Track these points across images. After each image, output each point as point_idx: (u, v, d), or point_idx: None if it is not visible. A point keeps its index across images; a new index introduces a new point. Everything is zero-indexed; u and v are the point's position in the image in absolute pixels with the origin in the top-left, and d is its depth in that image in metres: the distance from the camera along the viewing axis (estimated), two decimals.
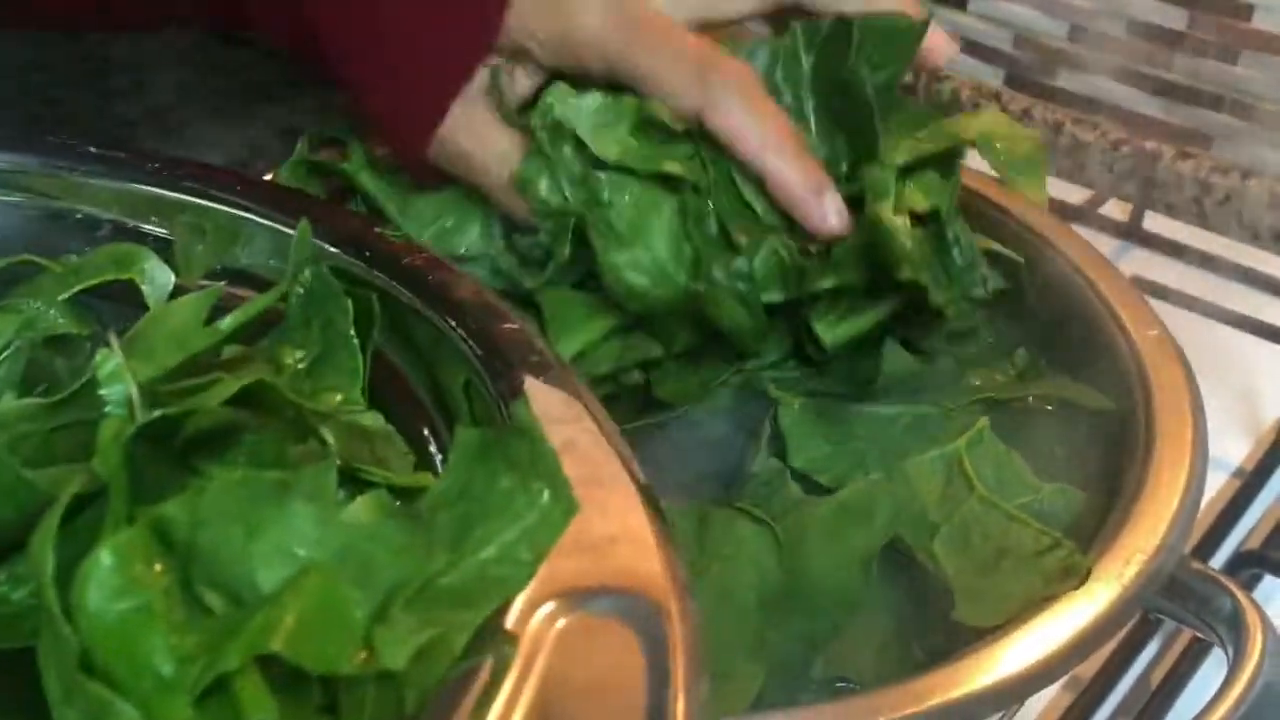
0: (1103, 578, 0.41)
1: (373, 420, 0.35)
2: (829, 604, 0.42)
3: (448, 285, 0.38)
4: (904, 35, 0.50)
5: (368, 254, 0.39)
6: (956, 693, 0.38)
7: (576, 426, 0.31)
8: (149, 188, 0.43)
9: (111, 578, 0.23)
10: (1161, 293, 0.71)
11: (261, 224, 0.41)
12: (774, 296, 0.48)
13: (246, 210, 0.42)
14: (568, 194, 0.49)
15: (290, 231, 0.39)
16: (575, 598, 0.26)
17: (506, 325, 0.37)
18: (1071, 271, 0.55)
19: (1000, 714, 0.43)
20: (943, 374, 0.50)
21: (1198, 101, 0.84)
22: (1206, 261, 0.77)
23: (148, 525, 0.25)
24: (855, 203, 0.49)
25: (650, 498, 0.29)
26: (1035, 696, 0.50)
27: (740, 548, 0.43)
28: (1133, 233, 0.79)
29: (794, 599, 0.42)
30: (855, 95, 0.49)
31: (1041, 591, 0.41)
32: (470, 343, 0.36)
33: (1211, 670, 0.52)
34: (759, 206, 0.49)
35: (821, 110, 0.51)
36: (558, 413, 0.32)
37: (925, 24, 0.51)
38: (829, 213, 0.48)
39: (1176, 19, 0.83)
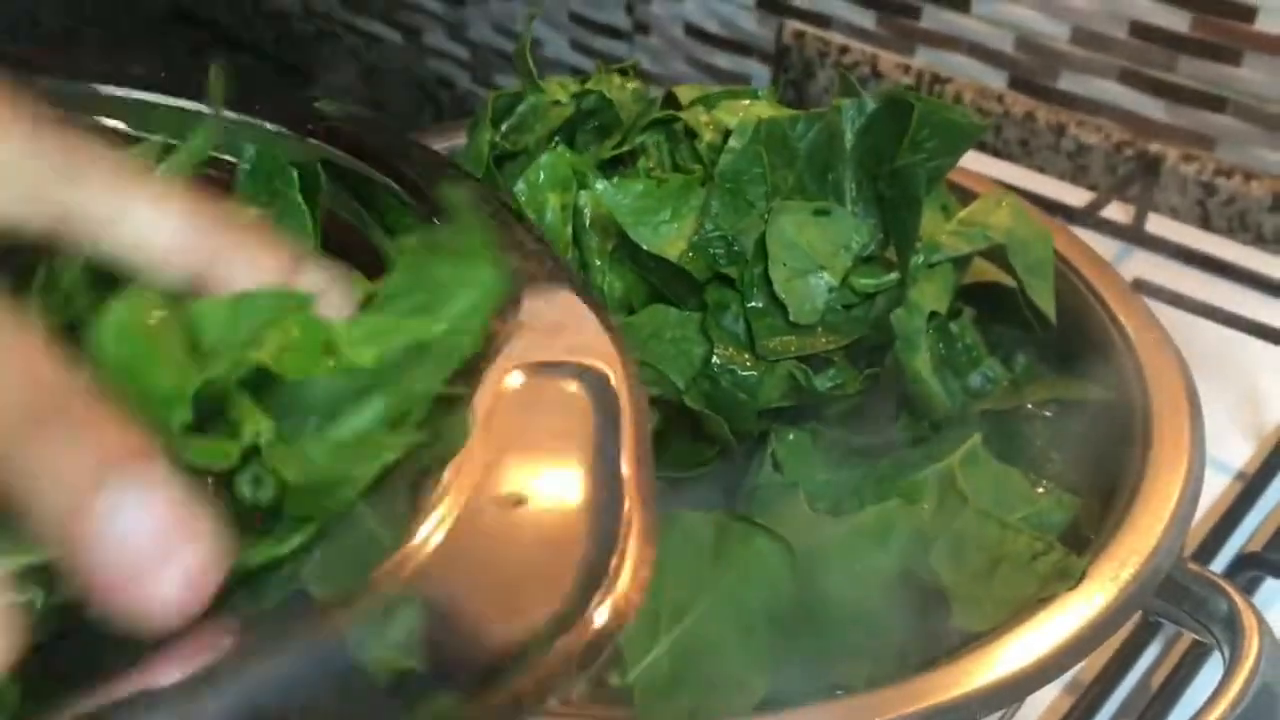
0: (1099, 579, 0.41)
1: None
2: (843, 625, 0.42)
3: (390, 146, 0.41)
4: (962, 131, 0.48)
5: (312, 129, 0.42)
6: (953, 693, 0.38)
7: (515, 236, 0.36)
8: (104, 88, 0.44)
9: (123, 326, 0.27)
10: (1164, 295, 0.71)
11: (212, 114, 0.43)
12: (784, 403, 0.48)
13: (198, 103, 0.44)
14: None
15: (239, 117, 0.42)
16: (533, 368, 0.30)
17: (448, 173, 0.40)
18: (1071, 274, 0.55)
19: (998, 715, 0.43)
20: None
21: (1201, 104, 0.84)
22: (1210, 264, 0.76)
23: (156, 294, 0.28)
24: (883, 290, 0.48)
25: (586, 292, 0.34)
26: (1035, 699, 0.50)
27: (756, 562, 0.43)
28: (1136, 235, 0.79)
29: (807, 618, 0.42)
30: (904, 186, 0.48)
31: (1037, 594, 0.41)
32: (412, 193, 0.39)
33: (1212, 673, 0.51)
34: (792, 307, 0.47)
35: (863, 188, 0.49)
36: (498, 229, 0.36)
37: (982, 126, 0.49)
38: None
39: (1179, 21, 0.83)
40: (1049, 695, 0.53)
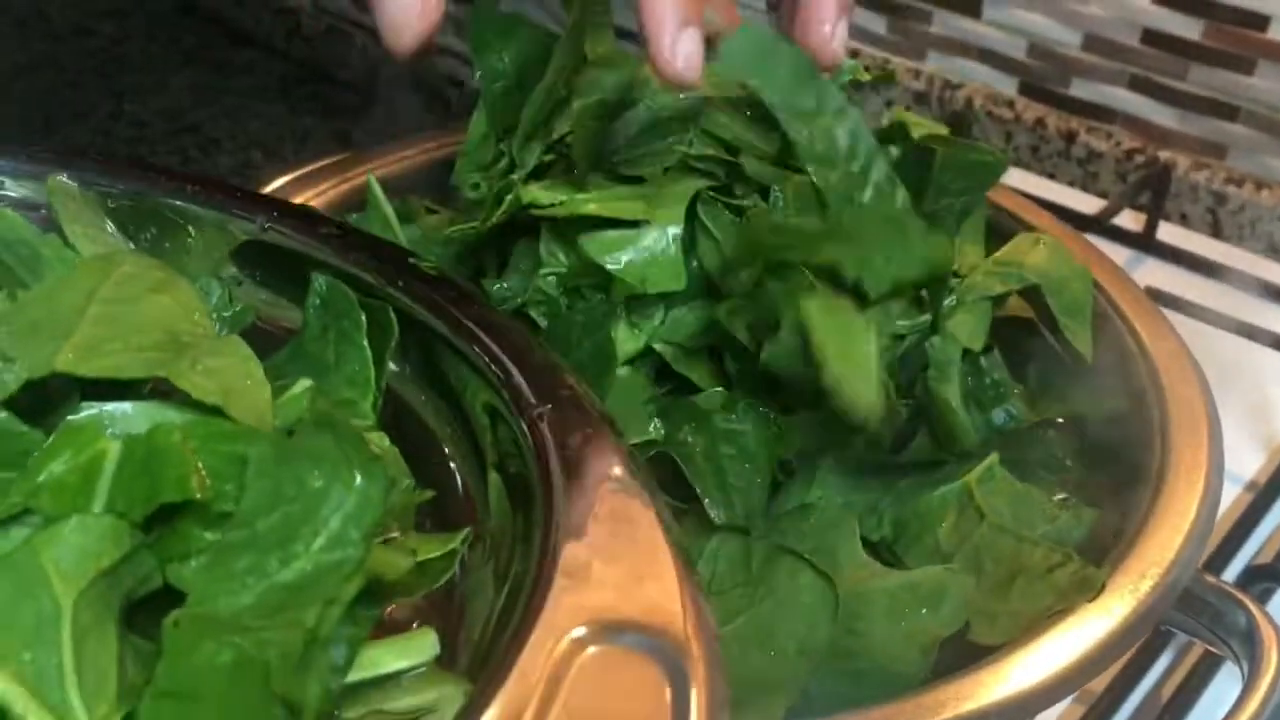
0: (1117, 592, 0.41)
1: (379, 440, 0.36)
2: (881, 678, 0.41)
3: (476, 313, 0.38)
4: (987, 168, 0.49)
5: (400, 282, 0.39)
6: (968, 706, 0.38)
7: (605, 462, 0.32)
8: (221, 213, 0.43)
9: None
10: (1175, 304, 0.71)
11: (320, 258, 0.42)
12: (808, 444, 0.47)
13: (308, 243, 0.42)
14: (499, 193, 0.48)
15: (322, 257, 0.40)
16: (603, 630, 0.26)
17: (536, 355, 0.36)
18: None
19: None
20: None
21: (1212, 112, 0.84)
22: (1220, 273, 0.76)
23: None
24: (915, 330, 0.48)
25: (676, 538, 0.30)
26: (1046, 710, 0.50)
27: (796, 595, 0.43)
28: (1146, 243, 0.79)
29: (846, 663, 0.42)
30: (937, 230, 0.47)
31: (1055, 606, 0.40)
32: (494, 367, 0.36)
33: (1224, 684, 0.51)
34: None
35: None
36: (587, 449, 0.32)
37: (1006, 160, 0.49)
38: (679, 54, 0.44)
39: (1191, 29, 0.83)
40: (1059, 705, 0.52)
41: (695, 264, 0.47)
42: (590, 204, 0.46)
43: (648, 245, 0.45)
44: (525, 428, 0.33)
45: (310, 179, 0.59)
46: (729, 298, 0.45)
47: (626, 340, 0.47)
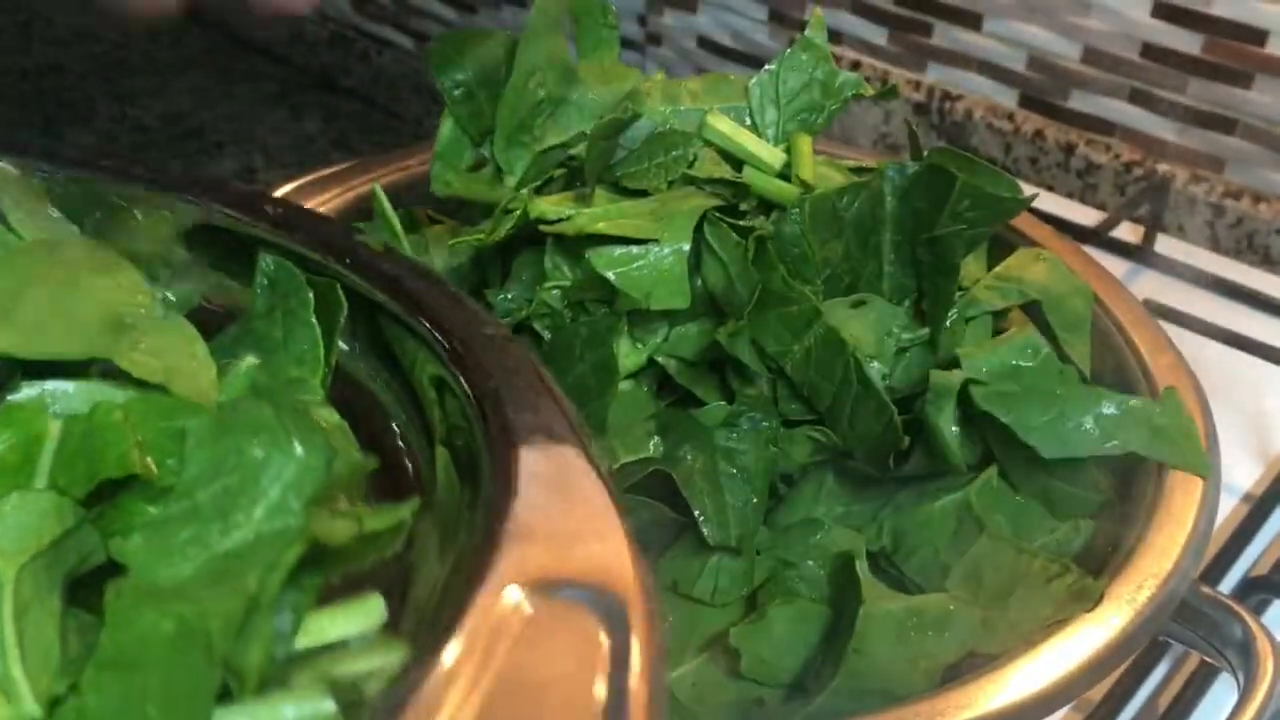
0: (1115, 603, 0.41)
1: (328, 415, 0.36)
2: (885, 699, 0.41)
3: (424, 289, 0.38)
4: (1004, 206, 0.48)
5: (347, 260, 0.39)
6: (967, 715, 0.38)
7: (551, 430, 0.32)
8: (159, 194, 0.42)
9: None
10: (1172, 316, 0.71)
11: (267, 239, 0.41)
12: (810, 461, 0.48)
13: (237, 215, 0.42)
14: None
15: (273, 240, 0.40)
16: (544, 585, 0.26)
17: (483, 326, 0.36)
18: None
19: None
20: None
21: (1211, 125, 0.84)
22: (1218, 285, 0.77)
23: None
24: (915, 344, 0.48)
25: (616, 495, 0.30)
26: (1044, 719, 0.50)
27: (787, 615, 0.43)
28: (1145, 255, 0.79)
29: (850, 683, 0.41)
30: (941, 254, 0.48)
31: (1053, 616, 0.41)
32: (441, 339, 0.36)
33: (1221, 694, 0.52)
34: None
35: (901, 250, 0.49)
36: (534, 418, 0.32)
37: (1027, 199, 0.49)
38: None
39: (1191, 43, 0.83)
40: (1057, 714, 0.53)
41: (700, 282, 0.47)
42: (600, 222, 0.46)
43: (653, 261, 0.46)
44: (472, 399, 0.33)
45: (314, 187, 0.60)
46: (731, 319, 0.46)
47: (629, 355, 0.47)
